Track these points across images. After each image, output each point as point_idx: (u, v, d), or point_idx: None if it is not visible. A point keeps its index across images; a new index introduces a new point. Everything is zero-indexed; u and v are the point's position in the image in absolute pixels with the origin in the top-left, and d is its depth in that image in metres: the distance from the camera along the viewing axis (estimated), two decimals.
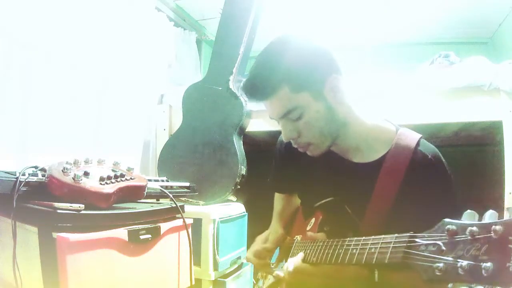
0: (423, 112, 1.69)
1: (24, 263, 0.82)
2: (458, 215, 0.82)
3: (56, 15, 1.41)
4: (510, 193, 1.55)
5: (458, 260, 0.47)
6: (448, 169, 0.87)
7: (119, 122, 1.77)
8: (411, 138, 0.89)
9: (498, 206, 1.60)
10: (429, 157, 0.85)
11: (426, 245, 0.53)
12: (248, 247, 1.78)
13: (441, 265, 0.49)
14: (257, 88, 0.87)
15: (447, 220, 0.52)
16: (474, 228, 0.47)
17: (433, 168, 0.85)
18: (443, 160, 0.87)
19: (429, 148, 0.88)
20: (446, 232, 0.51)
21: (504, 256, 0.43)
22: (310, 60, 0.86)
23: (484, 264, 0.44)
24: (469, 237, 0.47)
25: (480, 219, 0.49)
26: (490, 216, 0.48)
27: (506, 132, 1.57)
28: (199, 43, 2.83)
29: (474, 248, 0.46)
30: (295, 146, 0.93)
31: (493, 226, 0.45)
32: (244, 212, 1.78)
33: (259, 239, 1.18)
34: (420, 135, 0.90)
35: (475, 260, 0.46)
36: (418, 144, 0.87)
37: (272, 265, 1.16)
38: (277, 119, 0.90)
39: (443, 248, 0.50)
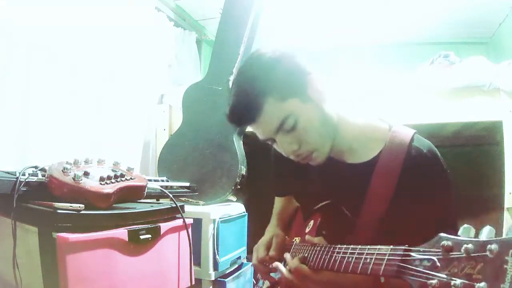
0: (423, 112, 1.69)
1: (24, 263, 0.82)
2: (454, 212, 0.80)
3: (56, 15, 1.41)
4: (510, 193, 1.55)
5: (452, 278, 0.46)
6: (444, 164, 0.86)
7: (119, 122, 1.77)
8: (405, 134, 0.88)
9: (498, 206, 1.60)
10: (424, 151, 0.84)
11: (421, 260, 0.52)
12: (248, 247, 1.79)
13: (434, 281, 0.48)
14: (242, 113, 0.85)
15: (443, 235, 0.51)
16: (470, 246, 0.46)
17: (428, 162, 0.84)
18: (439, 155, 0.86)
19: (423, 143, 0.87)
20: (441, 248, 0.49)
21: (498, 276, 0.42)
22: (286, 66, 0.84)
23: (478, 284, 0.43)
24: (464, 255, 0.46)
25: (476, 234, 0.48)
26: (487, 233, 0.47)
27: (506, 132, 1.57)
28: (199, 43, 2.83)
29: (469, 266, 0.45)
30: (297, 159, 0.89)
31: (489, 245, 0.44)
32: (244, 212, 1.78)
33: (262, 246, 1.11)
34: (414, 131, 0.89)
35: (469, 279, 0.45)
36: (412, 139, 0.86)
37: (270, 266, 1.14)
38: (273, 136, 0.87)
39: (438, 264, 0.49)
